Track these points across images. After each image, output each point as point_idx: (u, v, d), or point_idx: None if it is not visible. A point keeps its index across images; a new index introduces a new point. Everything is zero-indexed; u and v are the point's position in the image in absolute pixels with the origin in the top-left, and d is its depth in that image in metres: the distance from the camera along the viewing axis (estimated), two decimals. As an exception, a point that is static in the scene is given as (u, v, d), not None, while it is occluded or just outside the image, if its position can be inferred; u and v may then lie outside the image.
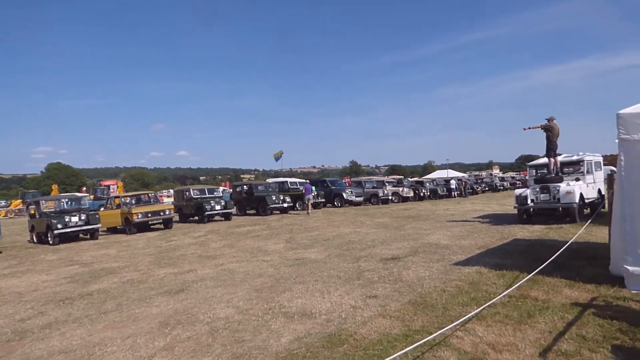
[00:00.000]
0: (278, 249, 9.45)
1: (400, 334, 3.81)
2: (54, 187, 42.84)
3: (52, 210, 14.58)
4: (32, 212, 15.02)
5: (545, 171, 11.95)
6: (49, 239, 13.65)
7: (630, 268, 4.54)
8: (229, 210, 18.41)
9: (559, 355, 3.15)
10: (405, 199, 26.13)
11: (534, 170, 12.86)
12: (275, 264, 7.67)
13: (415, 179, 36.94)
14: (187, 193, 19.04)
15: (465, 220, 12.99)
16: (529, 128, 11.40)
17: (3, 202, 36.24)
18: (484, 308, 4.08)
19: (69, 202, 15.41)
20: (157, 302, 5.62)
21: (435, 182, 31.53)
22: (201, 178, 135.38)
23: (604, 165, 13.83)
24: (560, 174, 11.52)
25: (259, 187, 21.20)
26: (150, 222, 15.79)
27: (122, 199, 16.69)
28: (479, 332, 3.69)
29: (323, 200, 22.60)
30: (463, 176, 42.29)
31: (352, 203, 23.60)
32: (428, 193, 28.40)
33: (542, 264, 5.26)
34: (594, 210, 11.57)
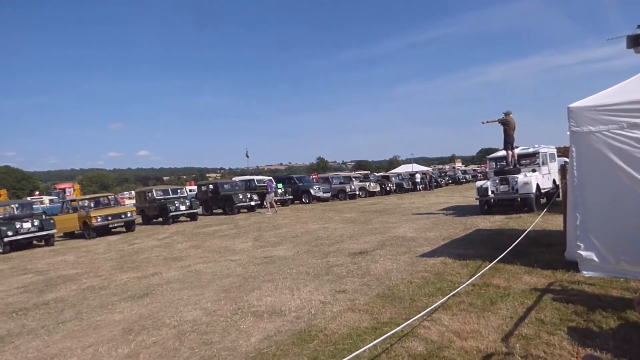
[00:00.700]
0: (246, 248, 9.31)
1: (369, 327, 3.84)
2: (3, 192, 39.89)
3: (1, 216, 13.62)
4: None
5: (504, 163, 12.47)
6: (-1, 247, 12.76)
7: (583, 253, 4.83)
8: (195, 211, 17.95)
9: (520, 339, 3.29)
10: (372, 194, 26.51)
11: (494, 163, 13.40)
12: (244, 263, 7.55)
13: (382, 173, 37.54)
14: (150, 194, 18.38)
15: (430, 213, 13.34)
16: (488, 122, 11.83)
17: None
18: (448, 298, 4.20)
19: (20, 208, 14.46)
20: (119, 308, 5.38)
21: (400, 176, 32.20)
22: (165, 178, 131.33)
23: (558, 156, 14.62)
24: (517, 165, 12.06)
25: (225, 186, 20.79)
26: (110, 226, 15.12)
27: (80, 202, 15.87)
28: (445, 321, 3.79)
29: (291, 197, 22.51)
30: (427, 170, 43.41)
31: (319, 199, 23.66)
32: (394, 187, 28.96)
33: (503, 253, 5.49)
34: (550, 200, 12.21)
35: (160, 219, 17.86)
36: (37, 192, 44.08)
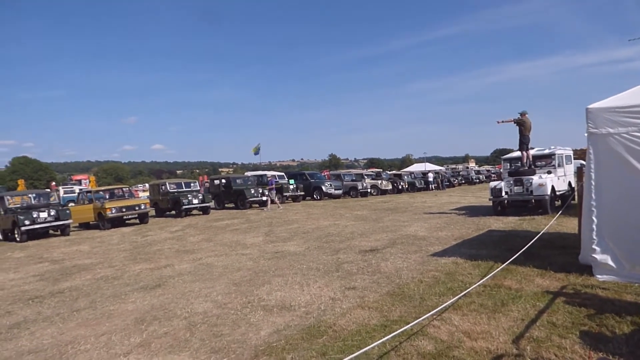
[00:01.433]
0: (257, 242, 9.38)
1: (378, 324, 3.85)
2: (20, 182, 40.96)
3: (19, 206, 13.97)
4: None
5: (518, 164, 12.29)
6: (16, 235, 13.10)
7: (597, 257, 4.74)
8: (207, 204, 18.14)
9: (530, 341, 3.26)
10: (384, 192, 26.42)
11: (508, 164, 13.21)
12: (254, 258, 7.61)
13: (394, 172, 37.38)
14: (163, 187, 18.63)
15: (442, 212, 13.24)
16: (503, 121, 11.68)
17: None
18: (459, 298, 4.18)
19: (37, 198, 14.81)
20: (132, 298, 5.49)
21: (413, 175, 32.01)
22: (178, 172, 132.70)
23: (574, 159, 14.35)
24: (532, 167, 11.88)
25: (238, 181, 20.96)
26: (125, 217, 15.39)
27: (95, 194, 16.18)
28: (455, 321, 3.77)
29: (302, 193, 22.57)
30: (440, 169, 43.06)
31: (331, 196, 23.68)
32: (406, 186, 28.81)
33: (516, 254, 5.42)
34: (565, 202, 11.99)
35: (173, 212, 18.10)
36: (53, 183, 44.99)
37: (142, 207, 15.85)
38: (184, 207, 17.16)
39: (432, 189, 30.16)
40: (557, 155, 12.23)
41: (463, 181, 37.31)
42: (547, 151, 12.49)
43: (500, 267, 5.08)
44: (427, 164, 55.13)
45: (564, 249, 6.35)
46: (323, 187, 23.46)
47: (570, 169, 13.13)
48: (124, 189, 17.66)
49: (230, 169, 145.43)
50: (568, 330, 3.40)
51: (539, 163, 12.34)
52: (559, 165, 12.20)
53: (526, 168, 11.67)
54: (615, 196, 4.64)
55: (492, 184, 12.25)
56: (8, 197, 14.33)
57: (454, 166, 56.93)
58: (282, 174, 25.25)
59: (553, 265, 5.39)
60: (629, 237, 4.50)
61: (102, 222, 15.05)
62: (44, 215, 13.44)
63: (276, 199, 19.07)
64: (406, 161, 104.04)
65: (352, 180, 26.03)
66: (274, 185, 19.19)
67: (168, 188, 18.38)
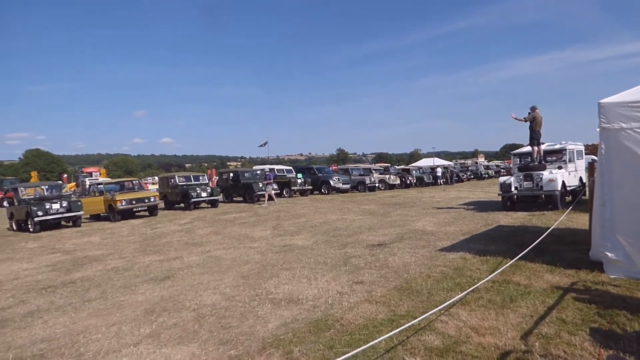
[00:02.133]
0: (265, 236, 9.43)
1: (385, 318, 3.86)
2: (33, 174, 41.65)
3: (32, 197, 14.23)
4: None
5: (528, 159, 12.15)
6: (29, 226, 13.34)
7: (608, 254, 4.68)
8: (215, 198, 18.25)
9: (539, 338, 3.24)
10: (392, 187, 26.31)
11: (518, 159, 13.06)
12: (262, 251, 7.66)
13: (402, 166, 37.16)
14: (172, 180, 18.78)
15: (450, 207, 13.16)
16: (516, 118, 11.54)
17: None
18: (467, 293, 4.16)
19: (50, 189, 15.07)
20: (142, 289, 5.57)
21: (421, 170, 31.80)
22: (187, 165, 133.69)
23: (586, 154, 14.13)
24: (543, 162, 11.73)
25: (246, 175, 21.04)
26: (134, 209, 15.56)
27: (106, 186, 16.38)
28: (463, 316, 3.76)
29: (310, 187, 22.58)
30: (449, 164, 42.70)
31: (339, 190, 23.64)
32: (414, 181, 28.65)
33: (525, 250, 5.38)
34: (575, 198, 11.85)
35: (181, 205, 18.26)
36: (65, 176, 45.61)
37: (152, 199, 16.01)
38: (193, 200, 17.29)
39: (440, 184, 29.96)
40: (568, 150, 12.07)
41: (472, 176, 36.94)
42: (558, 146, 12.32)
43: (509, 263, 5.05)
44: (436, 158, 54.67)
45: (574, 245, 6.28)
46: (331, 182, 23.43)
47: (581, 164, 12.96)
48: (134, 182, 17.84)
49: (239, 163, 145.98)
50: (578, 327, 3.37)
51: (550, 158, 12.18)
52: (570, 161, 12.04)
53: (536, 163, 11.53)
54: (626, 191, 4.56)
55: (502, 179, 12.13)
56: (22, 188, 14.62)
57: (462, 161, 56.41)
58: (290, 167, 25.25)
59: (563, 262, 5.33)
60: (642, 234, 4.43)
61: (113, 214, 15.25)
62: (56, 206, 13.66)
63: (272, 194, 18.17)
64: (414, 156, 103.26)
65: (360, 175, 25.95)
66: (272, 180, 18.63)
67: (177, 181, 18.52)
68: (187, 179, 18.98)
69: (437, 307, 3.70)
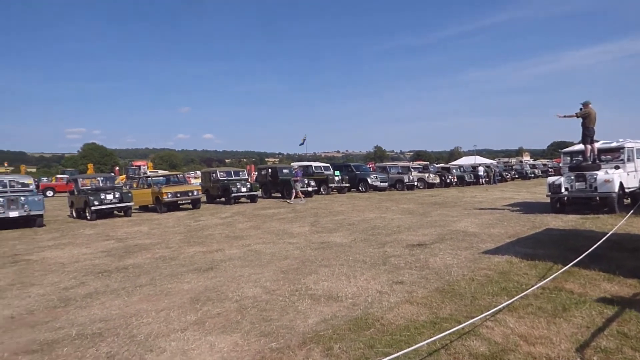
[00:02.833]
0: (303, 232, 9.52)
1: (427, 321, 3.77)
2: (90, 166, 44.71)
3: (89, 187, 15.26)
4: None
5: (580, 158, 11.44)
6: (87, 214, 14.30)
7: (675, 263, 4.31)
8: (255, 193, 18.64)
9: (598, 351, 3.03)
10: (431, 185, 25.69)
11: (569, 158, 12.32)
12: (301, 247, 7.73)
13: (442, 165, 36.17)
14: (214, 175, 19.40)
15: (494, 208, 12.66)
16: (564, 116, 10.90)
17: (45, 179, 38.27)
18: (517, 299, 3.97)
19: (104, 181, 16.12)
20: (187, 278, 5.80)
21: (462, 168, 30.82)
22: (227, 161, 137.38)
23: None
24: (597, 161, 11.00)
25: (284, 171, 21.32)
26: (179, 202, 16.25)
27: (154, 179, 17.22)
28: (510, 323, 3.60)
29: (347, 185, 22.52)
30: (491, 163, 41.09)
31: (376, 188, 23.40)
32: (455, 180, 27.82)
33: (578, 255, 5.06)
34: (636, 201, 11.02)
35: (222, 199, 18.82)
36: (117, 168, 48.33)
37: (195, 193, 16.64)
38: (233, 194, 17.76)
39: (482, 184, 28.90)
40: (626, 148, 11.21)
41: (516, 176, 35.27)
42: (614, 144, 11.48)
43: (563, 269, 4.77)
44: (477, 157, 52.80)
45: (636, 252, 5.84)
46: (368, 179, 23.22)
47: (642, 164, 12.00)
48: (179, 176, 18.61)
49: (277, 159, 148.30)
50: (640, 342, 3.13)
51: (605, 157, 11.39)
52: (628, 160, 11.19)
53: (590, 162, 10.83)
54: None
55: (550, 179, 11.50)
56: (81, 179, 15.78)
57: (506, 159, 53.99)
58: (328, 165, 25.26)
59: (622, 270, 4.97)
60: None
61: (159, 205, 16.01)
62: (110, 197, 14.57)
63: (299, 193, 18.20)
64: (454, 154, 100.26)
65: (399, 173, 25.55)
66: (299, 177, 18.62)
67: (218, 176, 19.12)
68: (228, 174, 19.54)
69: (481, 311, 3.58)
